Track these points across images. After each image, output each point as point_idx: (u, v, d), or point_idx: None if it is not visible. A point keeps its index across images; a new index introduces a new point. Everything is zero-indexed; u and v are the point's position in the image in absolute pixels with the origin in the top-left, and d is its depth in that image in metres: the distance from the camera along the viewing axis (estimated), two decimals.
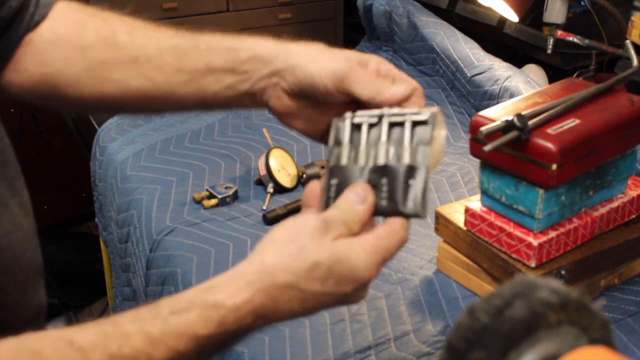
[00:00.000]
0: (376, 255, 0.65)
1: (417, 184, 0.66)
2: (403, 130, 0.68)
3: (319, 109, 0.77)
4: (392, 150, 0.67)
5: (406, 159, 0.67)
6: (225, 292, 0.62)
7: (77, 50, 0.80)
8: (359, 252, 0.64)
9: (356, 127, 0.71)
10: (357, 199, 0.67)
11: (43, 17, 0.80)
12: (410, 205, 0.67)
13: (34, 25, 0.79)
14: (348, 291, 0.64)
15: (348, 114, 0.72)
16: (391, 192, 0.67)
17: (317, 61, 0.74)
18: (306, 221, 0.65)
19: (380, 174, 0.67)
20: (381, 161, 0.67)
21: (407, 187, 0.67)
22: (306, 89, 0.75)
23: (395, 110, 0.69)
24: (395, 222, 0.68)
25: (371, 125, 0.70)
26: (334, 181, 0.68)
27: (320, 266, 0.63)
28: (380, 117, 0.70)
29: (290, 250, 0.63)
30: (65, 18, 0.81)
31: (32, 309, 0.73)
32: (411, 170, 0.66)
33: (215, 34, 0.80)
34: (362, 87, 0.72)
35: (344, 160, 0.69)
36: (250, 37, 0.78)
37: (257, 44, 0.77)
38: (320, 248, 0.63)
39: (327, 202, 0.67)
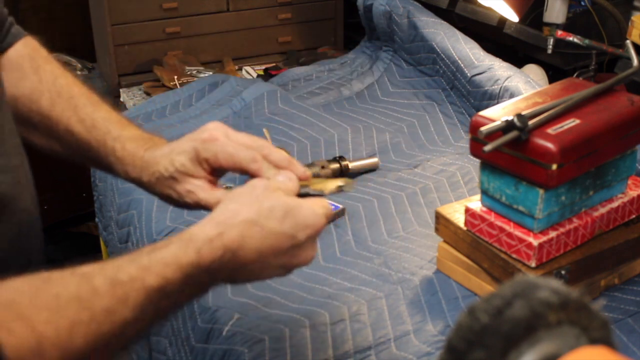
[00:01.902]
0: (323, 208, 0.79)
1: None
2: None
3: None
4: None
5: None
6: (198, 228, 0.73)
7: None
8: (307, 203, 0.78)
9: None
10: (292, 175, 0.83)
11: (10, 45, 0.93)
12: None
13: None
14: (302, 238, 0.76)
15: None
16: None
17: (161, 192, 0.88)
18: (256, 182, 0.79)
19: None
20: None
21: None
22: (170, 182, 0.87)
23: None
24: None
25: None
26: None
27: (277, 208, 0.75)
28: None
29: (249, 198, 0.76)
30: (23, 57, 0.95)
31: None
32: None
33: (108, 137, 0.91)
34: (224, 163, 0.85)
35: None
36: (129, 156, 0.89)
37: (128, 171, 0.89)
38: (275, 197, 0.77)
39: None
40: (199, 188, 0.86)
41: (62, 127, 0.91)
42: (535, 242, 1.06)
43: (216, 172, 0.87)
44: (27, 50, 0.98)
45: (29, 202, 0.80)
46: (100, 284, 0.64)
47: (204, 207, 0.86)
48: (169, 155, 0.87)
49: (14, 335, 0.58)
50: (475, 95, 1.73)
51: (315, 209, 0.78)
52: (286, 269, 0.79)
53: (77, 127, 0.92)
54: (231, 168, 0.85)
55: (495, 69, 1.71)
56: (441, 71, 1.85)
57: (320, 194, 0.87)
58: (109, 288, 0.65)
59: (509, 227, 1.09)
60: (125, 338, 0.67)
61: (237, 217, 0.74)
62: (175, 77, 2.11)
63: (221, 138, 0.85)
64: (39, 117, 0.91)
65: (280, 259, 0.77)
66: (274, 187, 0.78)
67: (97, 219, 1.82)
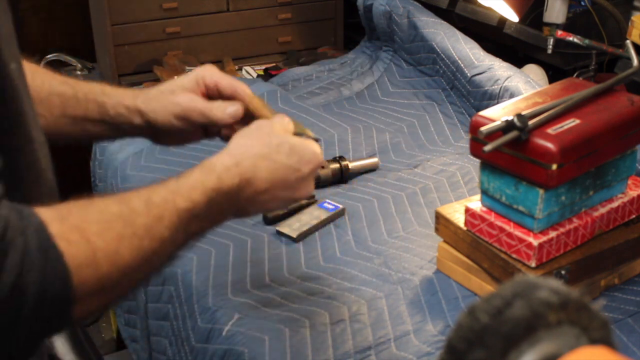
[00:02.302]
0: (317, 146, 0.91)
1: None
2: None
3: (180, 135, 0.99)
4: None
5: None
6: (217, 159, 0.82)
7: None
8: (307, 142, 0.90)
9: None
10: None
11: None
12: None
13: None
14: (306, 172, 0.88)
15: None
16: None
17: (163, 111, 0.95)
18: (262, 122, 0.90)
19: None
20: None
21: None
22: (168, 129, 0.96)
23: None
24: None
25: None
26: None
27: (285, 144, 0.87)
28: None
29: (259, 134, 0.87)
30: None
31: None
32: None
33: (94, 84, 0.97)
34: (205, 120, 0.95)
35: None
36: (117, 90, 0.97)
37: (120, 101, 0.96)
38: (281, 135, 0.88)
39: None
40: (197, 99, 0.95)
41: (44, 93, 0.92)
42: (535, 242, 1.06)
43: (210, 98, 0.97)
44: None
45: (53, 180, 0.83)
46: (138, 205, 0.70)
47: (197, 119, 0.95)
48: (170, 81, 0.98)
49: (73, 245, 0.61)
50: (475, 95, 1.73)
51: (314, 147, 0.90)
52: (289, 201, 0.90)
53: (60, 87, 0.94)
54: (228, 94, 0.96)
55: (495, 69, 1.71)
56: (441, 71, 1.85)
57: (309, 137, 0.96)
58: (145, 208, 0.70)
59: (509, 227, 1.09)
60: (162, 256, 0.72)
61: (251, 150, 0.84)
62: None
63: (218, 71, 0.98)
64: None
65: (286, 191, 0.87)
66: (279, 127, 0.89)
67: None
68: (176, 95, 0.96)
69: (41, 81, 0.93)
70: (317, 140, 0.97)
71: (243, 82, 0.98)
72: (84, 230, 0.63)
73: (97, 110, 0.95)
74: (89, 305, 0.64)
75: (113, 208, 0.68)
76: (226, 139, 0.96)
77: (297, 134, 0.93)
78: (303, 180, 0.89)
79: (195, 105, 0.95)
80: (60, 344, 0.97)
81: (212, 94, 0.97)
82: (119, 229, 0.67)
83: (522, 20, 1.80)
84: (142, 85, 2.14)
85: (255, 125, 0.90)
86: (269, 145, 0.86)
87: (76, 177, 2.60)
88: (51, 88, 0.93)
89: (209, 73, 0.97)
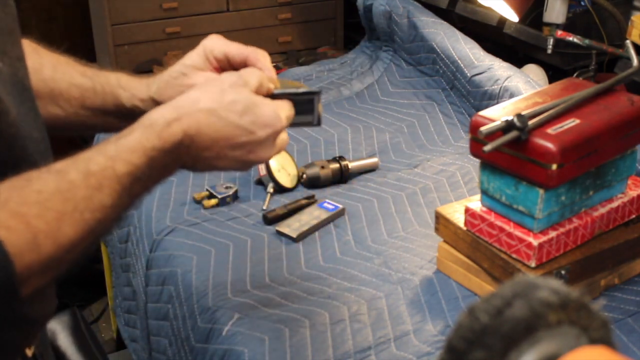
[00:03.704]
0: (284, 111, 0.84)
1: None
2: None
3: None
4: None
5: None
6: (157, 113, 0.78)
7: None
8: (270, 103, 0.83)
9: None
10: (266, 70, 0.89)
11: None
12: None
13: None
14: (262, 135, 0.81)
15: None
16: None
17: (177, 93, 0.89)
18: (226, 75, 0.85)
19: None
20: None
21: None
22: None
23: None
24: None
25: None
26: None
27: (238, 103, 0.80)
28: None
29: (213, 89, 0.81)
30: None
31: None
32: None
33: (111, 75, 0.96)
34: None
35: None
36: (133, 81, 0.96)
37: (135, 93, 0.95)
38: (240, 92, 0.81)
39: None
40: (211, 77, 0.91)
41: (64, 85, 0.93)
42: (535, 242, 1.06)
43: (223, 70, 0.93)
44: (25, 42, 0.99)
45: None
46: (75, 177, 0.68)
47: None
48: (178, 62, 0.94)
49: (12, 232, 0.61)
50: (475, 95, 1.73)
51: (277, 110, 0.83)
52: (243, 163, 0.83)
53: (80, 79, 0.94)
54: (238, 62, 0.92)
55: (495, 69, 1.71)
56: (441, 71, 1.85)
57: (295, 92, 0.89)
58: (84, 179, 0.69)
59: (509, 227, 1.09)
60: (107, 223, 0.71)
61: (197, 104, 0.79)
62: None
63: (225, 40, 0.94)
64: (42, 84, 0.93)
65: (235, 151, 0.82)
66: (242, 83, 0.83)
67: None
68: (189, 77, 0.93)
69: (62, 73, 0.93)
70: (316, 92, 0.89)
71: (255, 49, 0.94)
72: (23, 215, 0.63)
73: (113, 103, 0.94)
74: (34, 285, 0.64)
75: (51, 185, 0.67)
76: None
77: (276, 95, 0.87)
78: (259, 144, 0.82)
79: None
80: (63, 337, 0.97)
81: (224, 66, 0.94)
82: (58, 206, 0.66)
83: (522, 20, 1.80)
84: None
85: (217, 77, 0.86)
86: (219, 101, 0.80)
87: None
88: (71, 79, 0.93)
89: (217, 45, 0.93)
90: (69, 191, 0.67)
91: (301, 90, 0.89)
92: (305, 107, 0.89)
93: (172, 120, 0.77)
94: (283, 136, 0.85)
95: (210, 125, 0.79)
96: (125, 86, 0.95)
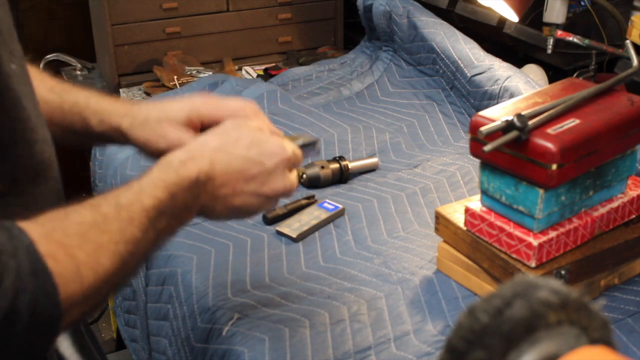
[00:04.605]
0: (288, 144, 0.89)
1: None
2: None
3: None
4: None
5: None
6: (172, 155, 0.82)
7: None
8: (273, 137, 0.88)
9: None
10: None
11: None
12: None
13: None
14: (270, 165, 0.85)
15: None
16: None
17: (146, 136, 0.94)
18: (227, 121, 0.90)
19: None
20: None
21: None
22: (149, 153, 0.95)
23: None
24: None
25: None
26: None
27: (245, 137, 0.86)
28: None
29: (218, 131, 0.87)
30: None
31: None
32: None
33: (81, 94, 0.96)
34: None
35: None
36: (104, 105, 0.96)
37: (105, 120, 0.94)
38: (242, 129, 0.87)
39: None
40: (185, 137, 0.93)
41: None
42: (535, 242, 1.06)
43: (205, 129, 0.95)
44: None
45: (57, 172, 0.84)
46: (108, 210, 0.71)
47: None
48: (161, 107, 0.95)
49: (59, 264, 0.63)
50: (475, 95, 1.73)
51: (280, 141, 0.88)
52: (259, 197, 0.86)
53: (47, 95, 0.93)
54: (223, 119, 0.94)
55: (495, 69, 1.71)
56: (441, 71, 1.85)
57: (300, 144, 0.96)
58: (116, 212, 0.72)
59: (509, 227, 1.09)
60: (138, 257, 0.74)
61: (207, 145, 0.84)
62: (175, 77, 2.11)
63: (216, 102, 0.96)
64: None
65: (249, 184, 0.85)
66: (241, 124, 0.88)
67: None
68: (164, 127, 0.94)
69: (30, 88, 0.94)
70: (314, 142, 0.98)
71: (243, 105, 0.95)
72: (67, 247, 0.65)
73: (81, 124, 0.95)
74: (73, 316, 0.66)
75: (88, 217, 0.70)
76: None
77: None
78: (270, 174, 0.86)
79: (182, 142, 0.91)
80: (62, 340, 0.97)
81: (209, 125, 0.94)
82: (96, 238, 0.68)
83: (522, 20, 1.80)
84: (142, 86, 2.14)
85: (224, 123, 0.90)
86: (226, 139, 0.85)
87: (76, 177, 2.61)
88: (39, 94, 0.91)
89: (205, 108, 0.94)
90: (104, 223, 0.70)
91: (301, 141, 0.96)
92: (308, 151, 0.99)
93: (186, 159, 0.81)
94: (292, 176, 0.90)
95: (221, 161, 0.83)
96: (96, 110, 0.95)
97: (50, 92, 0.94)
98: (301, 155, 0.93)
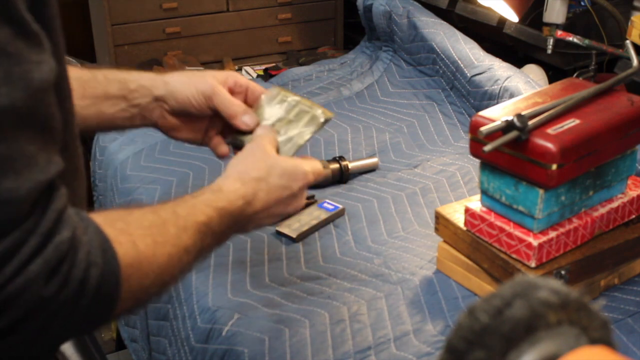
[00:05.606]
0: (311, 167, 1.00)
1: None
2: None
3: (195, 122, 1.07)
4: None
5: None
6: (222, 183, 0.91)
7: None
8: (298, 161, 0.99)
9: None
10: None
11: None
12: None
13: None
14: (296, 189, 0.97)
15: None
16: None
17: (188, 85, 1.03)
18: (253, 146, 0.99)
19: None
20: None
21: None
22: (183, 108, 1.04)
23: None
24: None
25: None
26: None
27: (276, 166, 0.96)
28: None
29: (255, 159, 0.96)
30: None
31: None
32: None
33: (110, 68, 1.04)
34: (223, 108, 1.03)
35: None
36: (137, 71, 1.04)
37: (142, 77, 1.03)
38: (272, 158, 0.97)
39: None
40: (223, 89, 1.04)
41: None
42: (535, 242, 1.06)
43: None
44: None
45: (85, 177, 0.86)
46: (166, 216, 0.77)
47: (216, 104, 1.04)
48: (204, 72, 1.06)
49: (123, 247, 0.67)
50: (475, 95, 1.73)
51: (304, 167, 0.99)
52: (281, 216, 0.98)
53: (77, 73, 0.97)
54: (250, 103, 1.07)
55: (495, 69, 1.71)
56: (441, 71, 1.85)
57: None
58: (174, 219, 0.77)
59: (509, 227, 1.09)
60: (183, 266, 0.78)
61: (249, 174, 0.93)
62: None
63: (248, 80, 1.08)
64: None
65: (279, 207, 0.96)
66: (266, 147, 0.98)
67: None
68: (205, 77, 1.04)
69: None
70: (327, 120, 1.07)
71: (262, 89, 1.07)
72: (131, 234, 0.69)
73: (117, 87, 1.00)
74: (126, 304, 0.68)
75: (149, 216, 0.74)
76: (219, 153, 1.08)
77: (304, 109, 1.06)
78: (294, 197, 0.98)
79: (221, 90, 1.03)
80: None
81: (237, 93, 1.06)
82: (155, 235, 0.73)
83: (522, 20, 1.80)
84: None
85: (247, 149, 0.99)
86: (264, 169, 0.95)
87: None
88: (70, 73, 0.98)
89: (241, 77, 1.05)
90: (163, 226, 0.75)
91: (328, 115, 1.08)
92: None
93: (235, 189, 0.90)
94: (305, 194, 1.01)
95: (262, 189, 0.93)
96: (133, 73, 1.03)
97: (79, 70, 0.99)
98: (319, 175, 1.03)
